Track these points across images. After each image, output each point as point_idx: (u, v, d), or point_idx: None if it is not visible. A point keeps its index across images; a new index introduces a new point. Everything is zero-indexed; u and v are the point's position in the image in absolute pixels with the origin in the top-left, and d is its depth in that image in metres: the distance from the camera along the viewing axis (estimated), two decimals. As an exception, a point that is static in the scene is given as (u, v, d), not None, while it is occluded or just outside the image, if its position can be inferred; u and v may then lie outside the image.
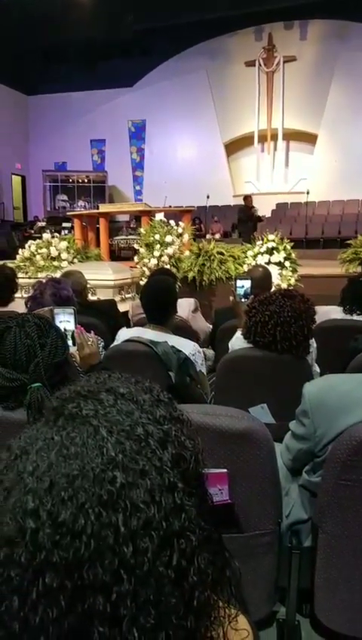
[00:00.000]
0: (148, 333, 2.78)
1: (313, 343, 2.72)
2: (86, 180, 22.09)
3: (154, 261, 6.86)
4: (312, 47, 19.03)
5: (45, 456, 0.58)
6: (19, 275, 5.93)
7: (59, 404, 0.65)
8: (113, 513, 0.54)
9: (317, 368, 2.83)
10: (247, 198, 14.80)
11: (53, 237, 7.67)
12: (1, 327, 1.67)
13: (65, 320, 2.53)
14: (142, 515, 0.55)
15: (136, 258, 7.32)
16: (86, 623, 0.51)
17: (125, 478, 0.56)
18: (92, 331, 2.63)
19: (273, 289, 3.61)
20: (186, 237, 7.32)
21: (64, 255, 7.38)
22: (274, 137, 19.69)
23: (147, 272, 6.69)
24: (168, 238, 6.95)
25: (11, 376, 1.59)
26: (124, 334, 2.96)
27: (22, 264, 7.37)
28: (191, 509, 0.59)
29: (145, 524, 0.54)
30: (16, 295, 4.13)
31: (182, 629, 0.55)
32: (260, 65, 19.50)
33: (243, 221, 14.41)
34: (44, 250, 7.37)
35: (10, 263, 5.71)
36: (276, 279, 5.97)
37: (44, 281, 3.04)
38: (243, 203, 15.05)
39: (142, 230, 7.58)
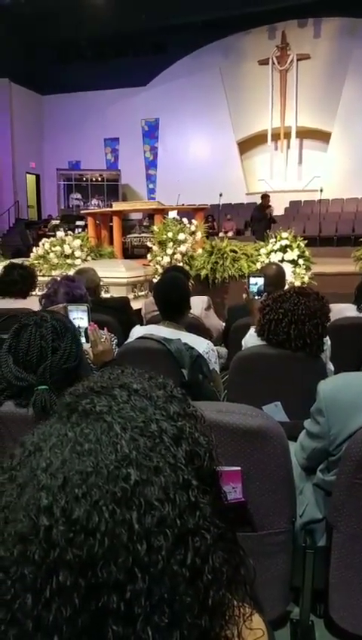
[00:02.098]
0: (162, 331, 2.78)
1: (327, 340, 2.71)
2: (99, 179, 22.18)
3: (167, 259, 6.86)
4: (326, 45, 18.97)
5: (59, 453, 0.57)
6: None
7: (72, 400, 0.64)
8: (127, 511, 0.53)
9: (331, 366, 2.81)
10: (265, 197, 14.75)
11: (66, 235, 7.70)
12: (20, 323, 1.68)
13: (78, 317, 2.53)
14: (157, 512, 0.54)
15: (149, 256, 7.33)
16: (100, 621, 0.51)
17: (139, 475, 0.55)
18: (105, 328, 2.63)
19: (286, 287, 3.59)
20: (199, 235, 7.31)
21: (77, 253, 7.40)
22: (288, 135, 19.66)
23: (160, 270, 6.70)
24: (181, 236, 6.95)
25: (20, 375, 1.60)
26: (137, 331, 2.96)
27: (36, 262, 7.39)
28: (205, 507, 0.58)
29: (159, 521, 0.54)
30: (32, 292, 4.20)
31: (197, 628, 0.54)
32: (274, 63, 19.47)
33: (258, 219, 14.35)
34: (57, 248, 7.40)
35: (25, 262, 5.74)
36: (289, 277, 5.94)
37: (58, 279, 3.04)
38: (256, 202, 14.99)
39: (155, 228, 7.59)
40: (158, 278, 5.25)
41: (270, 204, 14.39)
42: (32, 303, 3.83)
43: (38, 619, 0.51)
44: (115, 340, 3.02)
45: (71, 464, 0.56)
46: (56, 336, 1.66)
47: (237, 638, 0.61)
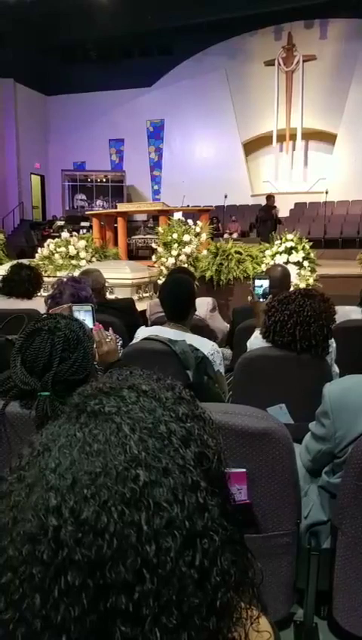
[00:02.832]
0: (167, 332, 2.78)
1: (332, 343, 2.70)
2: (104, 180, 22.20)
3: (171, 260, 6.86)
4: (332, 47, 18.96)
5: (67, 453, 0.57)
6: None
7: (81, 401, 0.64)
8: (136, 512, 0.53)
9: (336, 369, 2.81)
10: (270, 197, 14.74)
11: (71, 236, 7.69)
12: (35, 327, 1.67)
13: (82, 318, 2.53)
14: (165, 514, 0.54)
15: (153, 257, 7.32)
16: (108, 622, 0.51)
17: (148, 476, 0.55)
18: (110, 329, 2.63)
19: (291, 289, 3.58)
20: (204, 236, 7.30)
21: (82, 254, 7.40)
22: (293, 137, 19.65)
23: (165, 271, 6.69)
24: (186, 238, 6.94)
25: (25, 379, 1.60)
26: (143, 332, 2.96)
27: (41, 263, 7.39)
28: (214, 509, 0.58)
29: (168, 523, 0.54)
30: (38, 293, 4.21)
31: (205, 630, 0.54)
32: (279, 64, 19.47)
33: (264, 220, 14.34)
34: (62, 249, 7.40)
35: (31, 262, 5.75)
36: (294, 279, 5.93)
37: (64, 280, 3.04)
38: (261, 203, 14.99)
39: (159, 229, 7.58)
40: (163, 279, 5.25)
41: (275, 204, 14.37)
42: (36, 303, 3.83)
43: (47, 618, 0.51)
44: (120, 342, 3.01)
45: (80, 464, 0.56)
46: (68, 346, 1.65)
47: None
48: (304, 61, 19.18)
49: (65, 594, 0.51)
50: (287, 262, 6.32)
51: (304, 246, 6.55)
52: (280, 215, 15.13)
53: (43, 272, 6.91)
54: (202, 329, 3.51)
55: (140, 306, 5.12)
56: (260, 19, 18.53)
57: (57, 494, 0.54)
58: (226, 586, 0.57)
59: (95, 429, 0.59)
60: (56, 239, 7.77)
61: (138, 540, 0.52)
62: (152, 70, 20.69)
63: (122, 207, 10.86)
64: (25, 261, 5.47)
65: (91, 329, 2.48)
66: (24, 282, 4.05)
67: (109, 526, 0.52)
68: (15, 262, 4.98)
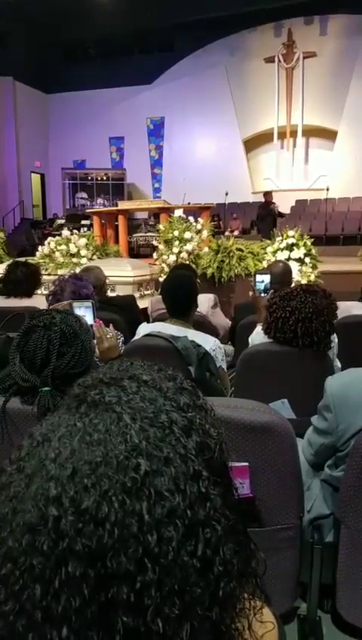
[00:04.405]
0: (169, 328, 2.77)
1: (334, 338, 2.70)
2: (105, 178, 22.19)
3: (173, 258, 6.85)
4: (332, 43, 18.92)
5: (68, 443, 0.57)
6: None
7: (81, 391, 0.64)
8: (137, 501, 0.53)
9: (338, 364, 2.81)
10: (267, 194, 14.72)
11: (72, 234, 7.68)
12: (30, 324, 1.67)
13: (81, 314, 2.52)
14: (167, 503, 0.54)
15: (155, 255, 7.31)
16: (109, 612, 0.50)
17: (149, 465, 0.55)
18: (110, 326, 2.63)
19: (293, 285, 3.58)
20: (205, 233, 7.29)
21: (83, 252, 7.38)
22: (294, 134, 19.63)
23: (166, 269, 6.69)
24: (187, 235, 6.93)
25: (25, 376, 1.61)
26: (144, 329, 2.96)
27: (41, 261, 7.38)
28: (216, 498, 0.58)
29: (169, 512, 0.53)
30: (38, 291, 4.19)
31: (207, 620, 0.54)
32: (280, 61, 19.43)
33: (263, 217, 14.34)
34: (63, 247, 7.39)
35: (30, 260, 5.73)
36: (296, 275, 5.91)
37: (66, 277, 3.04)
38: (262, 200, 14.98)
39: (160, 227, 7.56)
40: (165, 276, 5.25)
41: (274, 200, 14.36)
42: (36, 301, 3.82)
43: (47, 609, 0.50)
44: (122, 338, 3.01)
45: (80, 454, 0.55)
46: (65, 341, 1.64)
47: (247, 630, 0.60)
48: (304, 58, 19.14)
49: (66, 584, 0.50)
50: (289, 258, 6.30)
51: (305, 242, 6.53)
52: (282, 211, 15.11)
53: (44, 271, 6.92)
54: (204, 325, 3.50)
55: (141, 304, 5.12)
56: (260, 15, 18.50)
57: (57, 484, 0.54)
58: (229, 576, 0.56)
59: (95, 418, 0.59)
60: (57, 237, 7.75)
61: (139, 529, 0.52)
62: (152, 68, 20.67)
63: (123, 205, 10.87)
64: (21, 259, 5.44)
65: (91, 325, 2.48)
66: (21, 282, 4.00)
67: (110, 516, 0.52)
68: (11, 261, 4.94)
